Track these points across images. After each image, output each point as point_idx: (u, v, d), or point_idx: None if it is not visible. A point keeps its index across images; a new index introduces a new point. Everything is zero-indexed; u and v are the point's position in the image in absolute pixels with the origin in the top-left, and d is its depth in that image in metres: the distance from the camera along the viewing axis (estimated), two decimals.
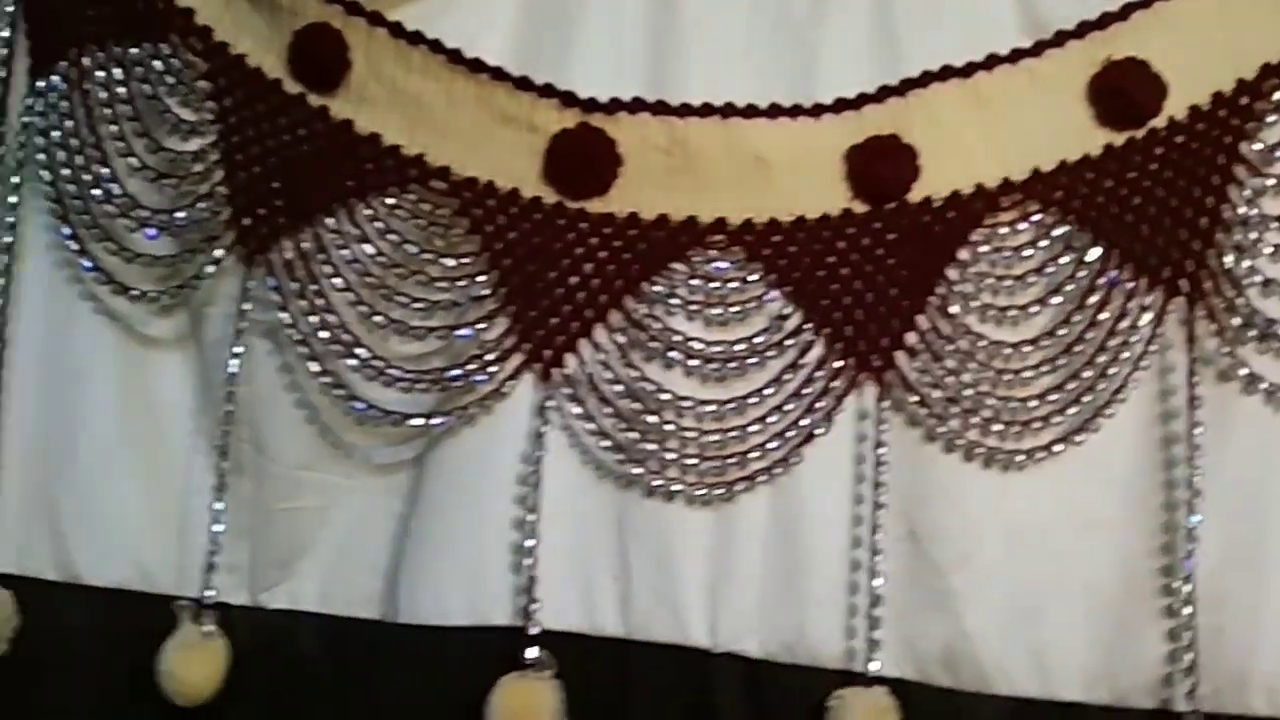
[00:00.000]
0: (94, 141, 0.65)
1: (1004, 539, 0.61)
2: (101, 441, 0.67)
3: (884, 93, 0.62)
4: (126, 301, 0.66)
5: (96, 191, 0.64)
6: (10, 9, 0.66)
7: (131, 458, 0.67)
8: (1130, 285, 0.61)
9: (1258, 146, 0.62)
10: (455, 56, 0.62)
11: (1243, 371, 0.61)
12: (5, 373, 0.66)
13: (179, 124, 0.64)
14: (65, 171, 0.65)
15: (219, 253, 0.63)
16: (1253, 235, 0.61)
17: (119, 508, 0.66)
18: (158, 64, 0.65)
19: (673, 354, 0.62)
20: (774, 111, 0.62)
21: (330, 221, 0.63)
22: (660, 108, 0.62)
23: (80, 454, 0.66)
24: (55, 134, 0.65)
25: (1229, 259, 0.61)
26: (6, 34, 0.66)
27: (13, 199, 0.65)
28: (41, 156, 0.65)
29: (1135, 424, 0.62)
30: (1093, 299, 0.61)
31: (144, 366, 0.67)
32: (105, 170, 0.64)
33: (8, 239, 0.65)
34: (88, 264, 0.65)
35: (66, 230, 0.65)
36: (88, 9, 0.65)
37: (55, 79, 0.65)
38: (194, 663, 0.61)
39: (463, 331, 0.62)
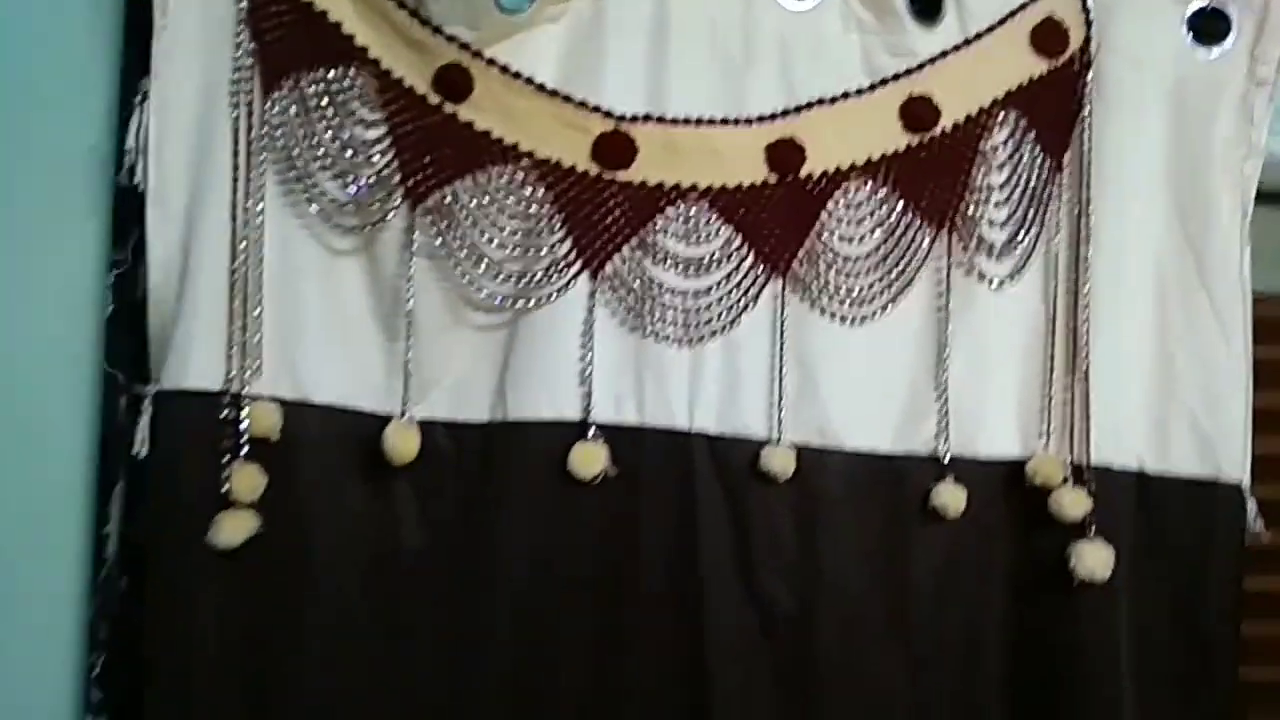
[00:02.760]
0: (311, 131, 1.03)
1: (850, 363, 1.08)
2: (313, 313, 1.04)
3: (786, 113, 1.07)
4: (330, 229, 1.05)
5: (316, 163, 1.03)
6: (252, 47, 1.03)
7: (331, 324, 1.04)
8: (919, 223, 1.09)
9: (987, 145, 1.09)
10: (540, 86, 1.04)
11: (976, 270, 1.10)
12: (264, 272, 1.03)
13: (363, 119, 1.03)
14: (295, 151, 1.03)
15: (396, 201, 1.03)
16: (983, 195, 1.09)
17: (327, 355, 1.04)
18: (347, 81, 1.03)
19: (667, 262, 1.06)
20: (724, 122, 1.06)
21: (461, 182, 1.04)
22: (660, 120, 1.05)
23: (303, 321, 1.03)
24: (286, 127, 1.02)
25: (971, 208, 1.09)
26: (249, 63, 1.03)
27: (262, 169, 1.03)
28: (279, 142, 1.03)
29: (922, 299, 1.09)
30: (897, 232, 1.08)
31: (335, 267, 1.05)
32: (320, 150, 1.03)
33: (262, 194, 1.03)
34: (314, 208, 1.04)
35: (299, 186, 1.03)
36: (301, 47, 1.03)
37: (283, 91, 1.03)
38: (405, 438, 1.02)
39: (543, 250, 1.05)
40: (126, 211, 1.07)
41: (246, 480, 1.00)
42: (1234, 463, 1.11)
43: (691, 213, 1.06)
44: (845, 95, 1.08)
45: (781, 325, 1.07)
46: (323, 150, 1.03)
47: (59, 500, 1.08)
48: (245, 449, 1.01)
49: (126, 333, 1.07)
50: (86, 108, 1.11)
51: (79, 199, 1.11)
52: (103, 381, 1.08)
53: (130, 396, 1.04)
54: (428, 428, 1.06)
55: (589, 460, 1.04)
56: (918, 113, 1.08)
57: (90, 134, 1.11)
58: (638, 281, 1.06)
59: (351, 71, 1.04)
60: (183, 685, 1.00)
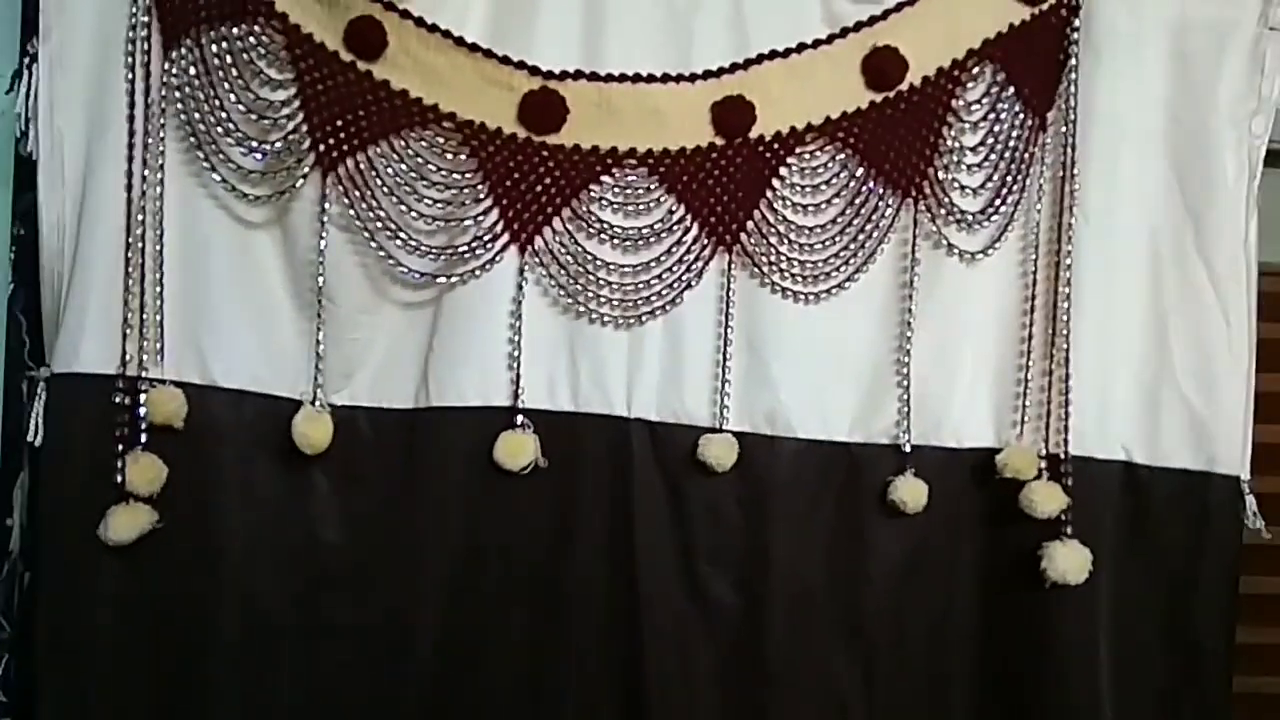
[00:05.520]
0: (213, 93, 0.95)
1: (804, 343, 0.99)
2: (223, 291, 0.97)
3: (734, 67, 0.97)
4: (237, 199, 0.97)
5: (219, 128, 0.95)
6: (148, 3, 0.95)
7: (243, 302, 0.97)
8: (881, 190, 0.99)
9: (960, 103, 0.99)
10: (459, 40, 0.95)
11: (945, 242, 1.00)
12: (164, 249, 0.96)
13: (270, 80, 0.95)
14: (196, 115, 0.95)
15: (305, 168, 0.95)
16: (955, 158, 0.99)
17: (238, 336, 0.97)
18: (251, 39, 0.95)
19: (603, 235, 0.97)
20: (665, 79, 0.97)
21: (376, 148, 0.96)
22: (593, 76, 0.96)
23: (211, 299, 0.97)
24: (187, 88, 0.95)
25: (941, 173, 0.99)
26: (146, 19, 0.95)
27: (161, 134, 0.96)
28: (179, 105, 0.95)
29: (885, 273, 1.00)
30: (858, 199, 0.99)
31: (246, 241, 0.97)
32: (223, 113, 0.95)
33: (161, 161, 0.96)
34: (216, 176, 0.96)
35: (200, 154, 0.96)
36: (204, 1, 0.95)
37: (183, 50, 0.95)
38: (316, 426, 0.95)
39: (467, 221, 0.97)
40: (28, 182, 1.00)
41: (143, 471, 0.93)
42: (1232, 453, 1.01)
43: (630, 180, 0.97)
44: (801, 47, 0.98)
45: (728, 304, 0.98)
46: (226, 114, 0.96)
47: None
48: (144, 438, 0.94)
49: (31, 311, 1.00)
50: None
51: None
52: (5, 363, 1.01)
53: (29, 380, 0.98)
54: (347, 414, 0.99)
55: (516, 450, 0.97)
56: (882, 66, 0.98)
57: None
58: (571, 256, 0.98)
59: (257, 27, 0.95)
60: (78, 690, 0.94)
